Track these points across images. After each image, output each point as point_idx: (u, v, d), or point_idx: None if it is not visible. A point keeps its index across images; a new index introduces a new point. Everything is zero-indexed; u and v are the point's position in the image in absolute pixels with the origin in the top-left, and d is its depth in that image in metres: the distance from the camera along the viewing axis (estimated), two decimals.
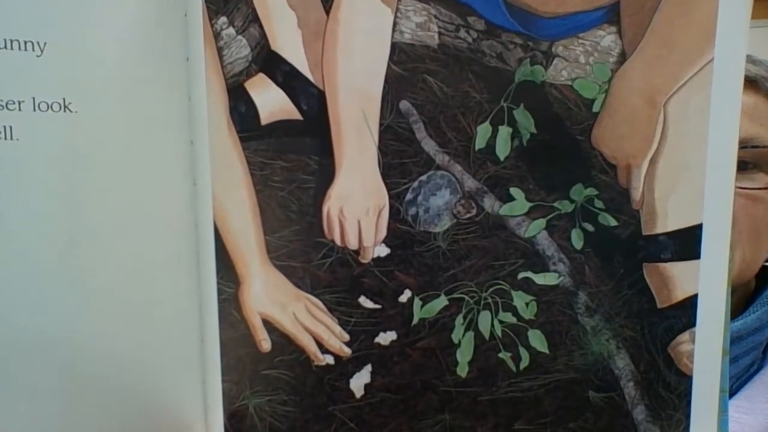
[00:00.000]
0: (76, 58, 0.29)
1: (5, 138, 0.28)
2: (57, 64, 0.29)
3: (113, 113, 0.30)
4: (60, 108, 0.29)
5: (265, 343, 0.33)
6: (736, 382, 0.60)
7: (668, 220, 0.29)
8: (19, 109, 0.28)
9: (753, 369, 0.60)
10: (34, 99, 0.28)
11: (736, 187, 0.54)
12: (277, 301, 0.32)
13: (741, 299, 0.61)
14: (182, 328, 0.33)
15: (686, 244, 0.28)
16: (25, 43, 0.28)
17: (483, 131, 0.29)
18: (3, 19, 0.28)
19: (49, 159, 0.29)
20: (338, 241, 0.31)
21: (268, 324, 0.33)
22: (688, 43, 0.27)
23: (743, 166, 0.58)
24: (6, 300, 0.29)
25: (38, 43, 0.28)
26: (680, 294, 0.29)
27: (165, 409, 0.34)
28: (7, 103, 0.28)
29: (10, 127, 0.28)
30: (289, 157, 0.31)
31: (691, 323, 0.29)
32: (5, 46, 0.28)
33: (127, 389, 0.33)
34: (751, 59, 0.61)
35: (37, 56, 0.28)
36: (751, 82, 0.60)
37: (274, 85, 0.31)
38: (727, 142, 0.27)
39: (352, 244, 0.31)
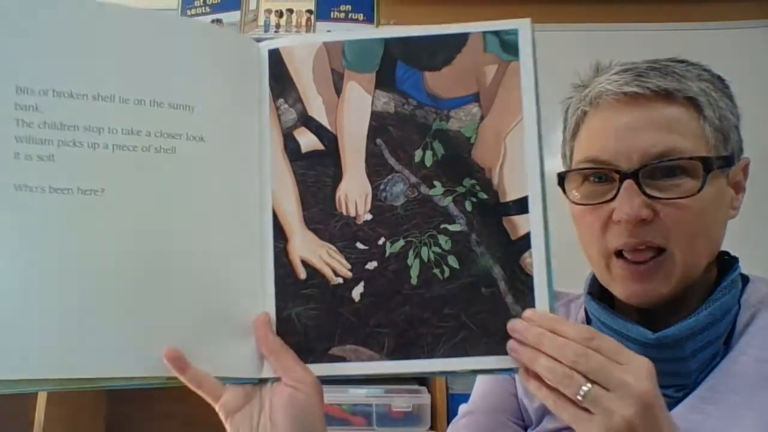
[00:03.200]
0: (206, 115, 0.56)
1: (172, 153, 0.53)
2: (199, 117, 0.55)
3: (222, 146, 0.57)
4: (199, 140, 0.55)
5: (302, 274, 0.57)
6: (700, 375, 0.60)
7: (512, 194, 0.57)
8: (179, 139, 0.54)
9: (716, 361, 0.61)
10: (187, 134, 0.54)
11: (664, 198, 0.58)
12: (309, 249, 0.57)
13: (703, 293, 0.62)
14: (251, 268, 0.57)
15: (521, 205, 0.56)
16: (185, 106, 0.55)
17: (419, 153, 0.58)
18: (174, 93, 0.54)
19: (193, 165, 0.54)
20: (344, 212, 0.57)
21: (303, 262, 0.57)
22: (511, 110, 0.57)
23: (671, 173, 0.59)
24: (156, 232, 0.53)
25: (190, 106, 0.55)
26: (522, 231, 0.56)
27: (239, 319, 0.56)
28: (174, 135, 0.54)
29: (174, 148, 0.54)
30: (317, 169, 0.58)
31: (529, 247, 0.56)
32: (177, 107, 0.54)
33: (217, 307, 0.55)
34: (662, 72, 0.61)
35: (189, 114, 0.55)
36: (667, 95, 0.60)
37: (309, 133, 0.58)
38: (533, 155, 0.57)
39: (352, 213, 0.57)
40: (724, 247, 0.66)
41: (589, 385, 0.47)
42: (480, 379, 0.78)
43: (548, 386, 0.49)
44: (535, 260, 0.56)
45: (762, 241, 1.45)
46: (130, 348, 0.52)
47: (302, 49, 0.59)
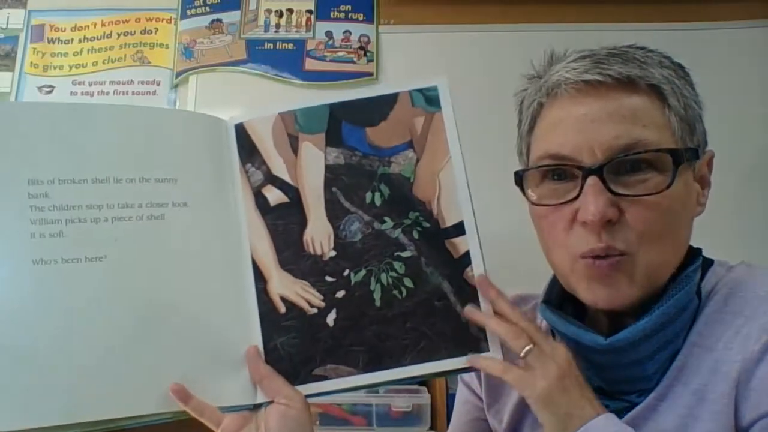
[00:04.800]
0: (187, 184, 0.66)
1: (162, 219, 0.63)
2: (181, 186, 0.65)
3: (203, 209, 0.67)
4: (183, 205, 0.65)
5: (282, 308, 0.66)
6: (662, 376, 0.57)
7: (450, 220, 0.68)
8: (166, 207, 0.64)
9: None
10: (173, 202, 0.64)
11: (631, 195, 0.55)
12: (286, 286, 0.67)
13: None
14: (238, 309, 0.66)
15: (459, 228, 0.67)
16: (169, 179, 0.65)
17: (369, 195, 0.69)
18: (159, 170, 0.64)
19: (180, 227, 0.64)
20: (312, 252, 0.68)
21: (282, 299, 0.67)
22: (440, 151, 0.69)
23: (637, 168, 0.55)
24: (154, 287, 0.62)
25: (173, 179, 0.65)
26: (462, 250, 0.67)
27: (232, 355, 0.65)
28: (162, 204, 0.64)
29: (163, 215, 0.64)
30: (285, 218, 0.68)
31: (469, 263, 0.67)
32: (162, 181, 0.64)
33: (212, 346, 0.64)
34: (623, 59, 0.57)
35: (173, 185, 0.65)
36: (629, 82, 0.56)
37: (275, 188, 0.69)
38: (463, 186, 0.68)
39: (319, 252, 0.68)
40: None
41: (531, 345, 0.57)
42: (455, 408, 0.83)
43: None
44: (476, 273, 0.67)
45: (763, 241, 1.47)
46: (140, 389, 0.60)
47: (262, 121, 0.70)
